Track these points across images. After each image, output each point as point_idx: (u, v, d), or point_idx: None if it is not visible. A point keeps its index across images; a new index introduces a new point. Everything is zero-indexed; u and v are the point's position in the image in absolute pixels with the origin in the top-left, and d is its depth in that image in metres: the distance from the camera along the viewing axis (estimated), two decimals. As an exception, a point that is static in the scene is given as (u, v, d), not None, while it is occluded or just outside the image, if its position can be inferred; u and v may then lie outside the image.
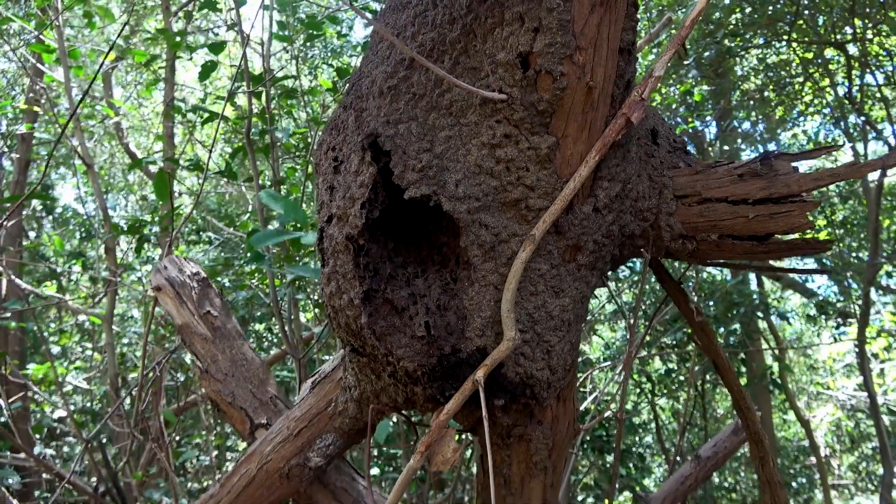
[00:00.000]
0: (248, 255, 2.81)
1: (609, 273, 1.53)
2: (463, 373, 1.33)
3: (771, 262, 1.53)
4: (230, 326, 2.16)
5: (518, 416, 1.51)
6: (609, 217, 1.32)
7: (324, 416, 1.73)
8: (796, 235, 1.33)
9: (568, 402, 1.60)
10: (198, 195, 2.27)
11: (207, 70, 2.88)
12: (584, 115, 1.19)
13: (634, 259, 1.65)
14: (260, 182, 3.39)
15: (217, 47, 2.89)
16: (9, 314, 5.12)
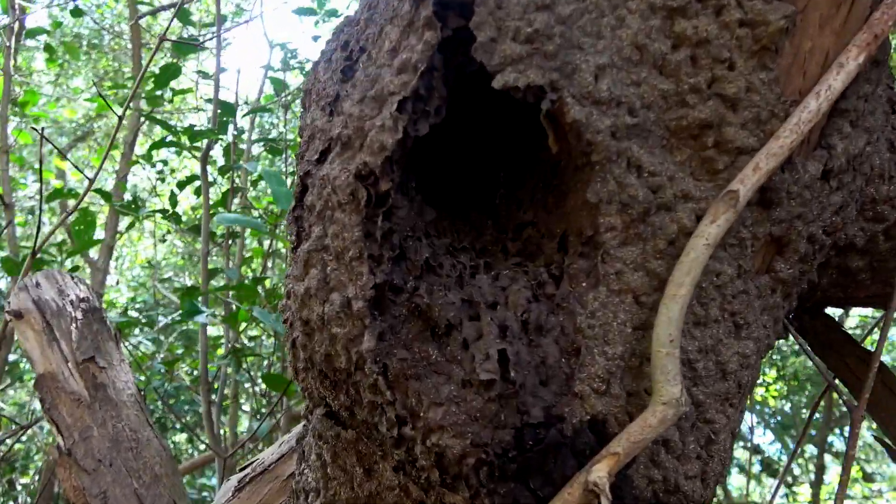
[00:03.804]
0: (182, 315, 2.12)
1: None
2: (558, 466, 0.65)
3: None
4: (122, 386, 1.41)
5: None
6: (838, 196, 0.73)
7: (251, 541, 0.98)
8: None
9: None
10: (91, 183, 1.61)
11: (169, 73, 2.31)
12: (853, -31, 0.63)
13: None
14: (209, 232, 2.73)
15: (184, 49, 2.34)
16: None
